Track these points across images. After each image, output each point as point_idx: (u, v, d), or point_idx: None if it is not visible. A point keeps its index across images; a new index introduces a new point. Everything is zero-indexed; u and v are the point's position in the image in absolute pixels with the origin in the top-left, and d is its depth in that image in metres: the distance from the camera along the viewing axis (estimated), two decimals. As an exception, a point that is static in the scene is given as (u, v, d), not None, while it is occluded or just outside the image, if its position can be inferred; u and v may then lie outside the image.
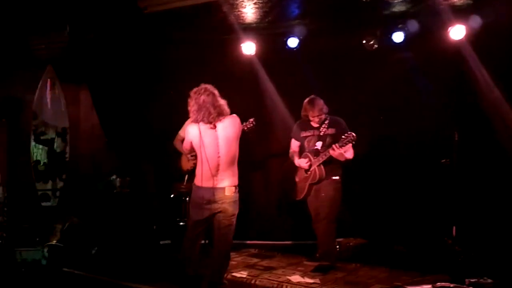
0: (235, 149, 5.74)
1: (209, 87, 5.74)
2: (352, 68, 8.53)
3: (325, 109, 7.23)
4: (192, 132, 5.73)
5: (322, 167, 7.12)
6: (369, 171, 8.42)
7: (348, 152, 6.98)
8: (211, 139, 5.65)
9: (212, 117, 5.64)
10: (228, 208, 5.67)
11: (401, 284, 6.51)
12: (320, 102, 7.19)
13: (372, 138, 8.23)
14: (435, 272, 6.95)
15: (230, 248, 5.95)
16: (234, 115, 5.82)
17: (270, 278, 6.83)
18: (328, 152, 6.93)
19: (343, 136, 6.82)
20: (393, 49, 8.27)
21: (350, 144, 6.85)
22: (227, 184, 5.65)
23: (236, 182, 5.73)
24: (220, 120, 5.69)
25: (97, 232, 7.99)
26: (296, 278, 6.82)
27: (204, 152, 5.63)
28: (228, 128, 5.69)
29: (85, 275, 7.04)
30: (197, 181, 5.75)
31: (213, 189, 5.63)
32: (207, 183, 5.65)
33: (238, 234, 8.79)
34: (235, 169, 5.76)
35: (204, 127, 5.65)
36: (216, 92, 5.74)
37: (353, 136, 6.75)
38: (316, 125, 7.31)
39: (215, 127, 5.66)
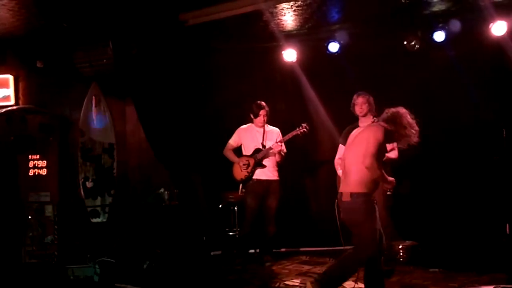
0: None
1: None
2: (394, 70, 8.51)
3: (371, 100, 7.24)
4: None
5: None
6: (417, 170, 8.34)
7: (392, 152, 6.91)
8: None
9: None
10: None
11: (457, 285, 6.45)
12: (366, 96, 7.22)
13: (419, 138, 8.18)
14: (491, 271, 6.85)
15: (355, 262, 5.75)
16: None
17: (323, 284, 6.75)
18: None
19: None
20: (435, 48, 8.22)
21: (395, 144, 6.76)
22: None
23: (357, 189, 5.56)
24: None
25: (148, 246, 8.04)
26: (349, 284, 6.74)
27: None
28: None
29: (138, 290, 7.07)
30: None
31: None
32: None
33: (290, 241, 8.93)
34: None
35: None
36: None
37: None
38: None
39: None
